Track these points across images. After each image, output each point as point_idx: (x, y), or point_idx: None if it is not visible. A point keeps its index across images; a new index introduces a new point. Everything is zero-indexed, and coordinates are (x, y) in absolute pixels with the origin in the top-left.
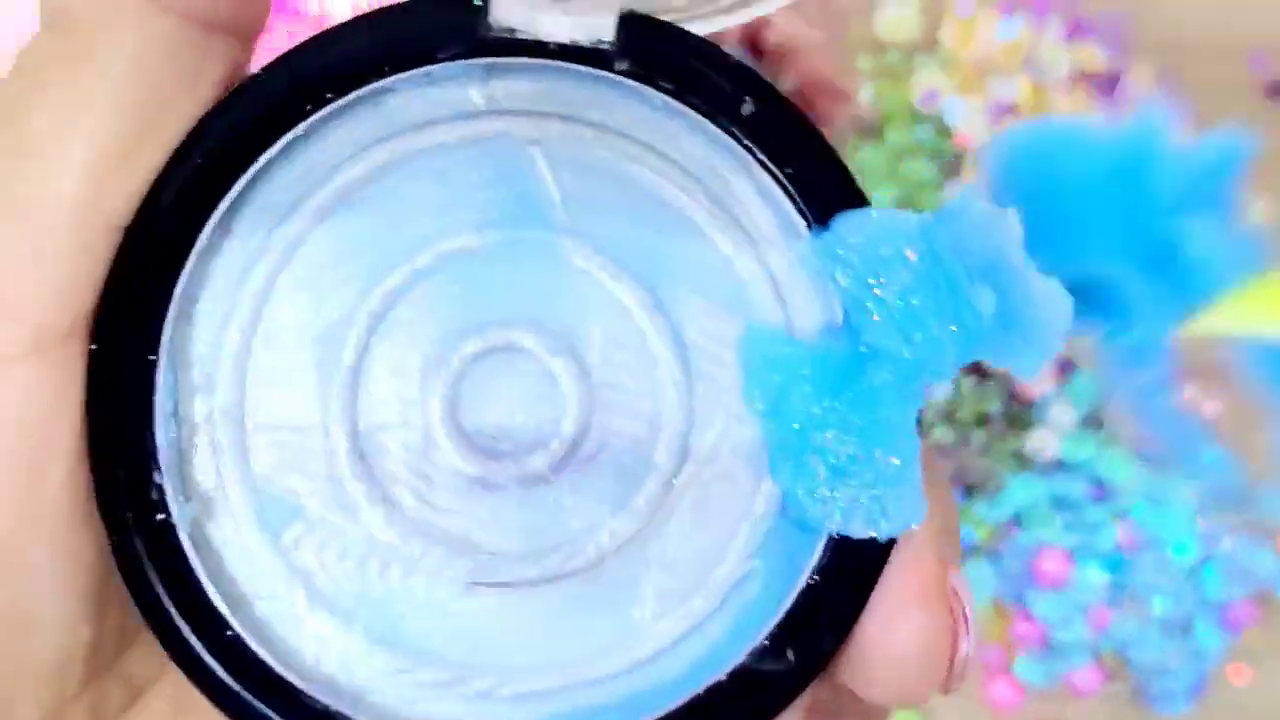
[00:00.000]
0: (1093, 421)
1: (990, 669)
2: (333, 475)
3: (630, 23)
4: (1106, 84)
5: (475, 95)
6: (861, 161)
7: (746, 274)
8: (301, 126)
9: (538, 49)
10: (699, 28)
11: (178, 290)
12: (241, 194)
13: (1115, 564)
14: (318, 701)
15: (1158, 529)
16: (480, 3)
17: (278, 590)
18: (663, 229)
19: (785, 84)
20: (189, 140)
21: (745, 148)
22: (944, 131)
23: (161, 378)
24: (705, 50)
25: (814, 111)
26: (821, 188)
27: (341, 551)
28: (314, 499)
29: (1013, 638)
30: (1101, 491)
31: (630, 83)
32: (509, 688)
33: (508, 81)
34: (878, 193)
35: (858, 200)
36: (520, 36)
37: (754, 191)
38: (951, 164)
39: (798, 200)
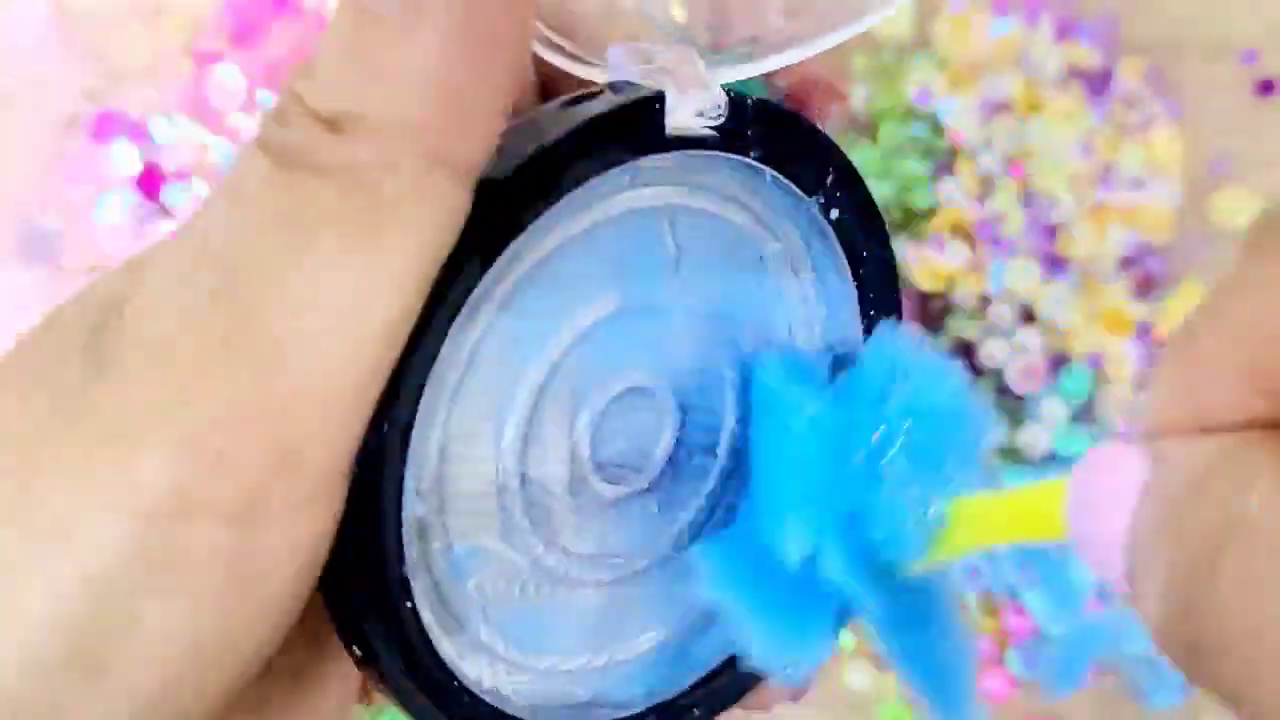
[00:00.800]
0: (1084, 416)
1: (982, 661)
2: (510, 524)
3: (738, 106)
4: (1099, 82)
5: (626, 178)
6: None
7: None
8: (521, 238)
9: (695, 143)
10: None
11: (420, 399)
12: (461, 301)
13: None
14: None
15: None
16: (659, 107)
17: (469, 629)
18: (756, 284)
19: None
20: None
21: (829, 220)
22: (937, 129)
23: (404, 484)
24: (809, 132)
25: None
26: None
27: (510, 580)
28: (498, 546)
29: (1004, 631)
30: None
31: (753, 163)
32: (626, 655)
33: (649, 161)
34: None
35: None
36: (681, 134)
37: (829, 258)
38: (945, 161)
39: (860, 271)
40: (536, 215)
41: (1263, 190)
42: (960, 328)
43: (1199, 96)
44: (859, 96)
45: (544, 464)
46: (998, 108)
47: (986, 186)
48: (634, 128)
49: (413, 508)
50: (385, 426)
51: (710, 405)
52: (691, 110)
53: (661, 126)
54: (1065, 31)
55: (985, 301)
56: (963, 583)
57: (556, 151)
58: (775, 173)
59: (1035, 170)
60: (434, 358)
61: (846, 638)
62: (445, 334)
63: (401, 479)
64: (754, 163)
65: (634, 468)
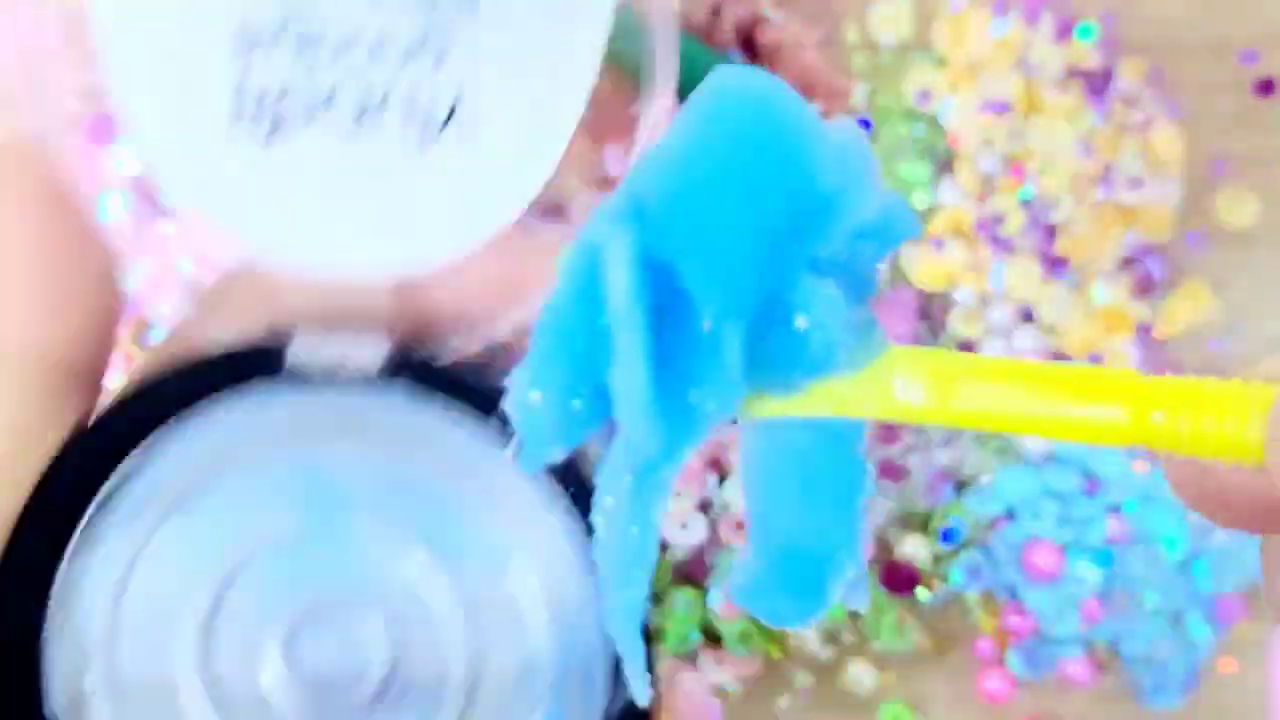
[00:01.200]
0: None
1: (982, 662)
2: None
3: (399, 356)
4: (1099, 82)
5: (280, 417)
6: None
7: (512, 541)
8: (139, 449)
9: (330, 377)
10: (460, 343)
11: (55, 585)
12: (101, 503)
13: (1106, 558)
14: None
15: (1149, 523)
16: (279, 349)
17: None
18: (442, 505)
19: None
20: (51, 467)
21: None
22: (937, 130)
23: (49, 659)
24: (463, 372)
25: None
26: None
27: None
28: None
29: (1005, 631)
30: (1093, 486)
31: (407, 394)
32: None
33: (305, 400)
34: None
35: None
36: (312, 370)
37: (513, 470)
38: (945, 161)
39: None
40: (139, 438)
41: (1262, 190)
42: (960, 328)
43: (1199, 96)
44: (859, 96)
45: (232, 668)
46: (998, 108)
47: (986, 186)
48: (234, 366)
49: (68, 679)
50: (4, 588)
51: (433, 638)
52: (316, 355)
53: (275, 366)
54: (1064, 32)
55: (985, 301)
56: (964, 582)
57: (159, 381)
58: (444, 403)
59: (1035, 170)
60: (61, 542)
61: (847, 638)
62: (75, 523)
63: (39, 643)
64: (407, 394)
65: (344, 684)
